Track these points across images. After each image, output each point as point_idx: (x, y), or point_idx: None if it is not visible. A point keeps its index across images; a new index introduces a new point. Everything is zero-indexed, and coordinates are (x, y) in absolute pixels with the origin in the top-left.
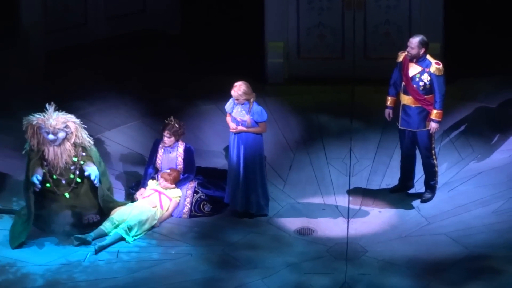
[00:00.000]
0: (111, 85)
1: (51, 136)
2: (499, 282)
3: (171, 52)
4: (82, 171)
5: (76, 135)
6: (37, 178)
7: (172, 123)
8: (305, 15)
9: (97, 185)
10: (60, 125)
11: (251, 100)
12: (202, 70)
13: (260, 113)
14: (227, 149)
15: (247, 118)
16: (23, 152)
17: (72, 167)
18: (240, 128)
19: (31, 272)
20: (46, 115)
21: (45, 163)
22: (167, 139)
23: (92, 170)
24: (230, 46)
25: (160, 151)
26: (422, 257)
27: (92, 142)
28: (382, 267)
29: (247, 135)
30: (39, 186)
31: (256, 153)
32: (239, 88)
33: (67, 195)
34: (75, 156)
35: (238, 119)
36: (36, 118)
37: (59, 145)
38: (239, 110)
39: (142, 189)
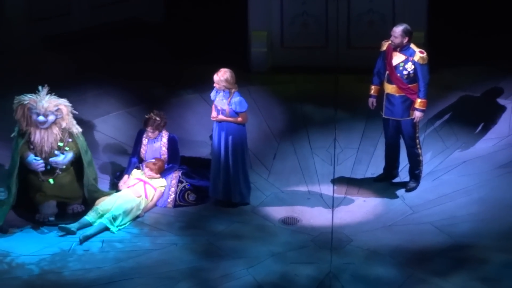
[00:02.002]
0: (94, 74)
1: (41, 118)
2: (483, 271)
3: (154, 41)
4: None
5: (66, 120)
6: (34, 158)
7: (153, 117)
8: (289, 4)
9: (40, 169)
10: (52, 108)
11: (232, 90)
12: (185, 59)
13: (239, 103)
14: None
15: (226, 107)
16: (12, 135)
17: (57, 152)
18: (220, 117)
19: (26, 262)
20: (38, 97)
21: (31, 147)
22: (151, 133)
23: (65, 156)
24: (214, 35)
25: (144, 141)
26: (406, 246)
27: (80, 130)
28: (367, 256)
29: (228, 124)
30: (42, 162)
31: (237, 142)
32: (223, 74)
33: (51, 181)
34: (61, 141)
35: (219, 107)
36: (29, 98)
37: (46, 128)
38: (221, 98)
39: (125, 176)
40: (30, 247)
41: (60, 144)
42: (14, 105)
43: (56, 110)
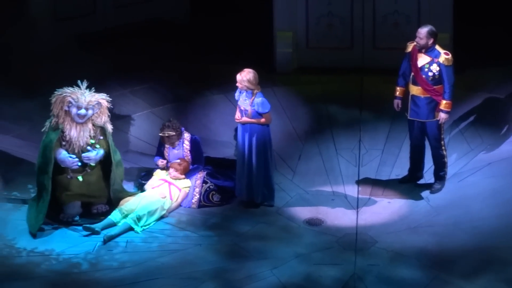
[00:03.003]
0: (119, 74)
1: (83, 111)
2: (508, 273)
3: (179, 41)
4: None
5: (104, 115)
6: (70, 156)
7: (166, 135)
8: (314, 4)
9: (74, 166)
10: (93, 102)
11: (255, 91)
12: (210, 59)
13: (261, 104)
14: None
15: (249, 108)
16: (43, 130)
17: (89, 148)
18: (244, 119)
19: (51, 261)
20: (80, 90)
21: (63, 143)
22: (172, 145)
23: (97, 152)
24: (239, 36)
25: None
26: (431, 248)
27: (112, 128)
28: (392, 258)
29: (251, 124)
30: (77, 159)
31: (260, 142)
32: (246, 74)
33: (80, 178)
34: (93, 138)
35: (242, 108)
36: (71, 91)
37: (82, 123)
38: (244, 99)
39: (159, 161)
40: (55, 246)
41: (92, 141)
42: (52, 97)
43: (96, 105)
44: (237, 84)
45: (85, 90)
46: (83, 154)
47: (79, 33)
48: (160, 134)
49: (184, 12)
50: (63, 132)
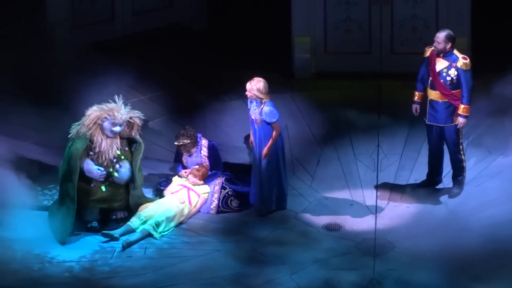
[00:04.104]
0: (137, 81)
1: (117, 128)
2: None
3: (197, 47)
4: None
5: (135, 130)
6: (98, 168)
7: (181, 144)
8: (332, 10)
9: (101, 179)
10: (126, 119)
11: (263, 100)
12: (228, 65)
13: (269, 113)
14: None
15: (258, 117)
16: (69, 136)
17: (114, 160)
18: (264, 152)
19: (68, 267)
20: (116, 107)
21: (91, 153)
22: (188, 153)
23: (126, 169)
24: (257, 41)
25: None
26: (450, 252)
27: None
28: (410, 263)
29: (263, 133)
30: (105, 172)
31: (272, 153)
32: (256, 83)
33: (103, 188)
34: (119, 150)
35: (253, 117)
36: (108, 108)
37: (112, 137)
38: (254, 108)
39: (182, 172)
40: (73, 252)
41: (118, 152)
42: (89, 110)
43: (127, 120)
44: (247, 93)
45: (122, 107)
46: (116, 175)
47: (97, 40)
48: (175, 143)
49: (201, 17)
50: (91, 142)
